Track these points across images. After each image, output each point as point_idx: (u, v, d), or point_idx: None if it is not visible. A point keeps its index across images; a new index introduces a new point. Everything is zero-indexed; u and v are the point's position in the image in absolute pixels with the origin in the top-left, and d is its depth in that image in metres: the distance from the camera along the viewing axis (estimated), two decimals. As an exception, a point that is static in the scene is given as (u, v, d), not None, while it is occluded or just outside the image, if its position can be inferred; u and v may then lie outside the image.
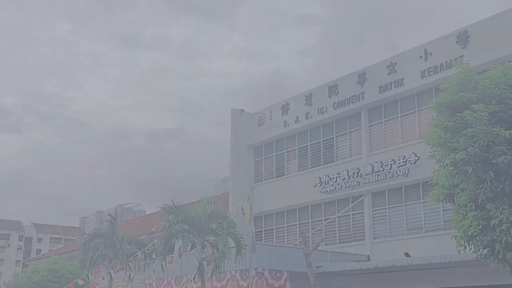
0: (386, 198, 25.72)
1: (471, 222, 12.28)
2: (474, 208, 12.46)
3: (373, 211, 26.17)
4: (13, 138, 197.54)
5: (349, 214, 27.17)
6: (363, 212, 26.46)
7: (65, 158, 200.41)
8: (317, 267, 23.37)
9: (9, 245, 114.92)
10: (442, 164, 13.36)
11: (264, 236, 30.99)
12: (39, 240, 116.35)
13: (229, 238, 21.62)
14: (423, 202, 23.76)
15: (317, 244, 20.40)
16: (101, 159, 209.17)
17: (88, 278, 28.76)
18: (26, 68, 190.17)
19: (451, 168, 13.09)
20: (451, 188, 13.26)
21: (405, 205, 24.93)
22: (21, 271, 37.12)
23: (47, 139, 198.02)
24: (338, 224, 27.66)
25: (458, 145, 12.41)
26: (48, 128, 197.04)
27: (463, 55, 22.23)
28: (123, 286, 23.50)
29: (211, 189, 51.20)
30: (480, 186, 12.27)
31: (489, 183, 12.03)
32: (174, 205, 22.48)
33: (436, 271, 21.70)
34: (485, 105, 12.32)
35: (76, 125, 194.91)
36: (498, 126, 12.14)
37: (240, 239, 22.20)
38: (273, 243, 29.53)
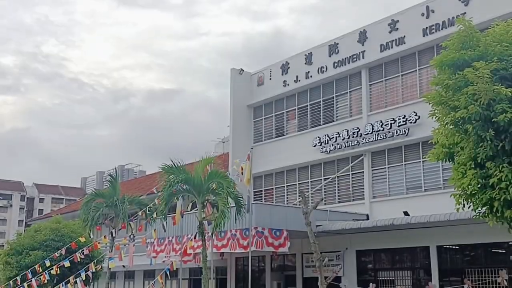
0: (386, 157, 25.76)
1: (470, 181, 12.26)
2: (473, 166, 12.42)
3: (372, 170, 26.24)
4: (12, 99, 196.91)
5: (349, 174, 27.26)
6: (362, 172, 26.53)
7: (65, 119, 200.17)
8: (317, 226, 23.59)
9: (11, 205, 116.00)
10: (442, 122, 13.26)
11: (264, 196, 31.17)
12: (41, 200, 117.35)
13: (229, 197, 21.71)
14: (423, 161, 23.80)
15: (316, 203, 20.50)
16: (101, 120, 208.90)
17: (90, 237, 29.07)
18: (23, 28, 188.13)
19: (451, 126, 13.01)
20: (451, 147, 13.20)
21: (405, 164, 24.98)
22: (24, 231, 37.44)
23: (46, 100, 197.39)
24: (338, 183, 27.79)
25: (459, 104, 12.29)
26: (47, 88, 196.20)
27: (465, 13, 21.93)
28: (124, 245, 23.73)
29: (211, 149, 51.34)
30: (480, 145, 12.21)
31: (489, 142, 11.97)
32: (174, 165, 22.50)
33: (434, 230, 21.91)
34: (486, 63, 12.15)
35: (75, 85, 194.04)
36: (500, 84, 12.00)
37: (239, 198, 22.31)
38: (273, 202, 29.74)
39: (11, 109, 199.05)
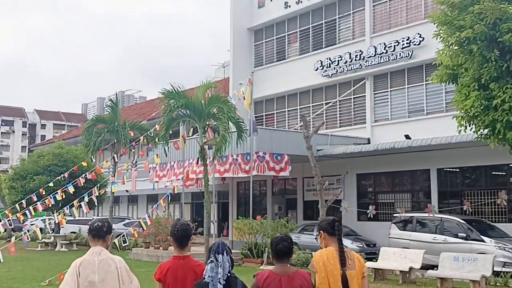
0: (388, 81, 25.46)
1: (473, 102, 12.14)
2: (477, 88, 12.26)
3: (374, 94, 26.01)
4: (10, 23, 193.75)
5: (350, 98, 27.05)
6: (364, 96, 26.31)
7: (64, 44, 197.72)
8: (318, 150, 23.64)
9: (13, 131, 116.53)
10: (447, 43, 12.99)
11: (265, 121, 31.11)
12: (43, 126, 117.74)
13: (229, 122, 21.63)
14: (426, 84, 23.53)
15: (317, 127, 20.41)
16: (100, 45, 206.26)
17: (92, 161, 29.25)
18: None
19: (456, 47, 12.74)
20: (455, 68, 12.98)
21: (407, 87, 24.72)
22: (27, 156, 37.72)
23: (44, 24, 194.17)
24: (339, 107, 27.63)
25: (464, 23, 11.97)
26: (45, 13, 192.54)
27: None
28: (127, 170, 23.90)
29: (211, 74, 50.90)
30: (485, 66, 12.00)
31: (494, 62, 11.75)
32: (174, 90, 22.25)
33: (435, 153, 21.96)
34: (494, -20, 11.75)
35: (73, 10, 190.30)
36: (506, 3, 11.67)
37: (240, 123, 22.22)
38: (274, 127, 29.69)
39: (8, 34, 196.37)
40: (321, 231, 4.96)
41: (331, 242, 4.85)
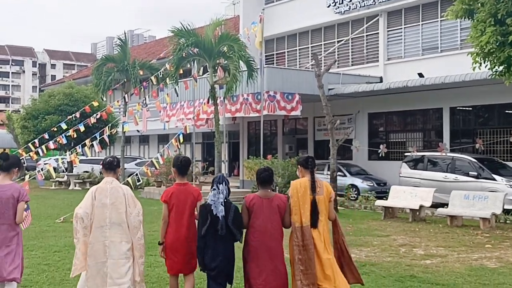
0: (402, 17, 24.87)
1: (489, 38, 11.83)
2: (493, 23, 11.93)
3: (388, 31, 25.48)
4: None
5: (363, 35, 26.54)
6: (377, 33, 25.80)
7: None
8: (329, 89, 23.43)
9: (23, 71, 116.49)
10: (463, -23, 12.57)
11: (276, 60, 30.73)
12: (53, 66, 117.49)
13: (240, 61, 21.38)
14: (441, 20, 22.98)
15: (329, 65, 20.11)
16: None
17: (103, 101, 29.27)
18: None
19: (472, -19, 12.34)
20: (471, 3, 12.61)
21: (422, 24, 24.16)
22: (38, 96, 37.79)
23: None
24: (351, 46, 27.16)
25: (483, -45, 11.55)
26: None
27: None
28: (138, 110, 23.87)
29: (221, 12, 50.05)
30: (501, 0, 11.63)
31: (512, -3, 11.38)
32: (184, 28, 21.94)
33: (448, 91, 21.70)
34: None
35: None
36: None
37: (251, 62, 21.97)
38: (285, 66, 29.34)
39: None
40: (299, 166, 6.27)
41: (306, 174, 6.11)
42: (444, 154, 19.10)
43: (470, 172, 18.21)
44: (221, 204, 5.82)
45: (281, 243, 5.97)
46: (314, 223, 5.89)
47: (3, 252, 6.02)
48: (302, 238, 5.87)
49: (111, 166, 6.10)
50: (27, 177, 20.88)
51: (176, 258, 6.13)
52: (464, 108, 22.44)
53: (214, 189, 5.88)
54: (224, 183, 5.92)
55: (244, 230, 6.04)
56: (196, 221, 6.11)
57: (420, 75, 21.82)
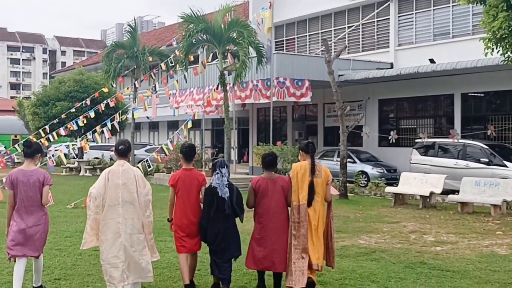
0: (414, 2, 24.63)
1: (501, 24, 11.70)
2: (505, 8, 11.79)
3: (399, 17, 25.26)
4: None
5: (374, 21, 26.33)
6: (388, 19, 25.57)
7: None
8: (339, 75, 23.30)
9: (34, 58, 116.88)
10: (476, -39, 12.42)
11: (286, 46, 30.59)
12: (63, 53, 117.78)
13: (250, 47, 21.29)
14: (452, 6, 22.74)
15: (339, 51, 19.97)
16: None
17: (113, 87, 29.31)
18: None
19: (485, -35, 12.19)
20: (484, -12, 12.47)
21: (433, 9, 23.92)
22: (49, 83, 37.93)
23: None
24: (362, 31, 26.97)
25: None
26: None
27: None
28: (148, 96, 23.89)
29: (231, -2, 49.73)
30: (516, -15, 11.49)
31: (526, -19, 11.23)
32: (194, 14, 21.87)
33: (460, 77, 21.52)
34: None
35: None
36: None
37: (261, 48, 21.88)
38: (294, 52, 29.21)
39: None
40: (300, 150, 6.84)
41: (306, 158, 6.67)
42: (455, 140, 18.99)
43: (481, 159, 18.10)
44: (226, 186, 6.44)
45: (286, 220, 6.61)
46: (310, 203, 6.50)
47: (36, 231, 6.60)
48: (298, 216, 6.48)
49: (124, 153, 6.56)
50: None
51: (183, 240, 6.66)
52: (475, 94, 22.25)
53: (217, 173, 6.49)
54: (226, 167, 6.57)
55: (252, 209, 6.71)
56: (201, 204, 6.66)
57: (431, 61, 21.64)
